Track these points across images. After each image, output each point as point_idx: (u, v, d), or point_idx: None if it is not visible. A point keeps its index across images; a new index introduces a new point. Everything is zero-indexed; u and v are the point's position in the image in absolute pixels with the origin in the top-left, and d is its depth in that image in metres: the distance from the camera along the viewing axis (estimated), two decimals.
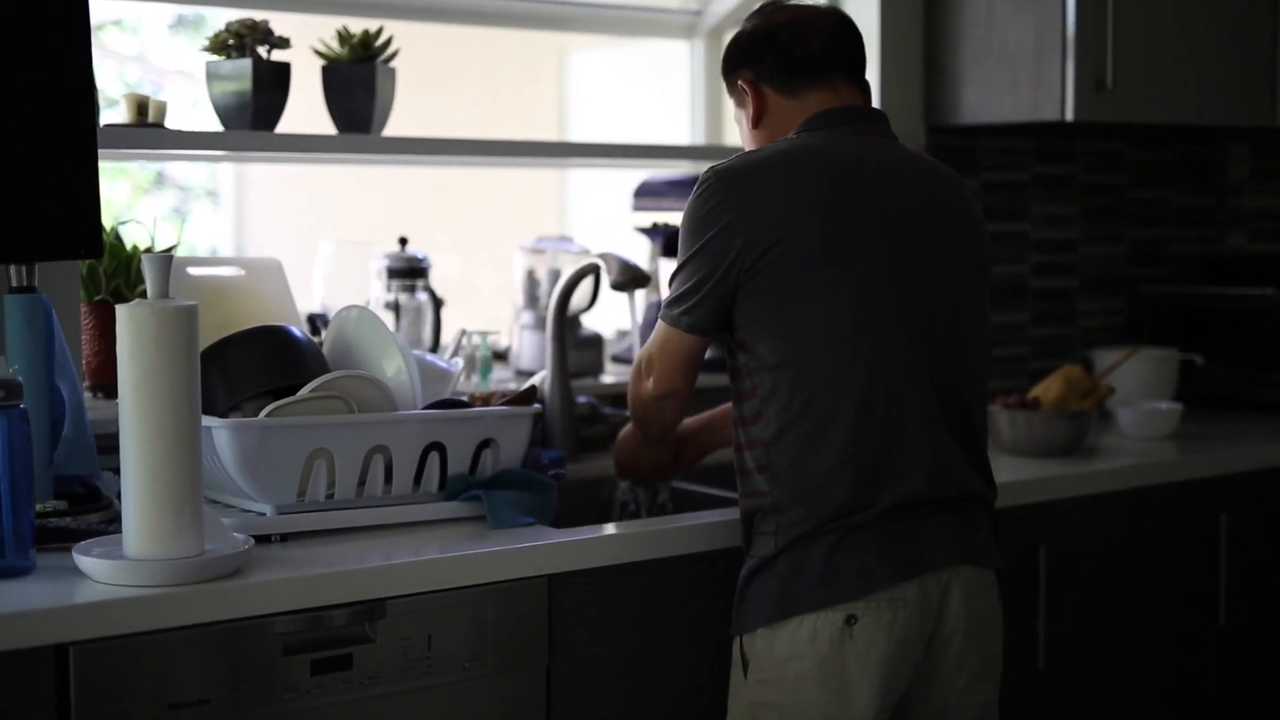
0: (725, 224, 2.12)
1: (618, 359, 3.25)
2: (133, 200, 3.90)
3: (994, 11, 3.29)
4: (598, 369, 3.07)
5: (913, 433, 2.12)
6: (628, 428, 2.59)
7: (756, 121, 2.29)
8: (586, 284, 2.91)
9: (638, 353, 2.34)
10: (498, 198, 4.13)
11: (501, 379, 3.00)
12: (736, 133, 2.45)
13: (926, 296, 2.16)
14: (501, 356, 3.17)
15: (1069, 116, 3.17)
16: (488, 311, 3.50)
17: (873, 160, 2.20)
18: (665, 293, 3.14)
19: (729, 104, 3.47)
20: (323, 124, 2.78)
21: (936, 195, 2.23)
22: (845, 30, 2.29)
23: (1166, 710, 2.98)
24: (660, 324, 2.23)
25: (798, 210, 2.11)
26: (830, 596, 2.08)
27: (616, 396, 2.98)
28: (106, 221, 2.46)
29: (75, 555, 1.91)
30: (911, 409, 2.12)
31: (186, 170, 4.02)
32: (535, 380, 2.59)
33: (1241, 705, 3.12)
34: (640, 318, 3.03)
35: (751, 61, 2.29)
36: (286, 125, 2.68)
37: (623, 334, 3.33)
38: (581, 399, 2.88)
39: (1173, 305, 3.76)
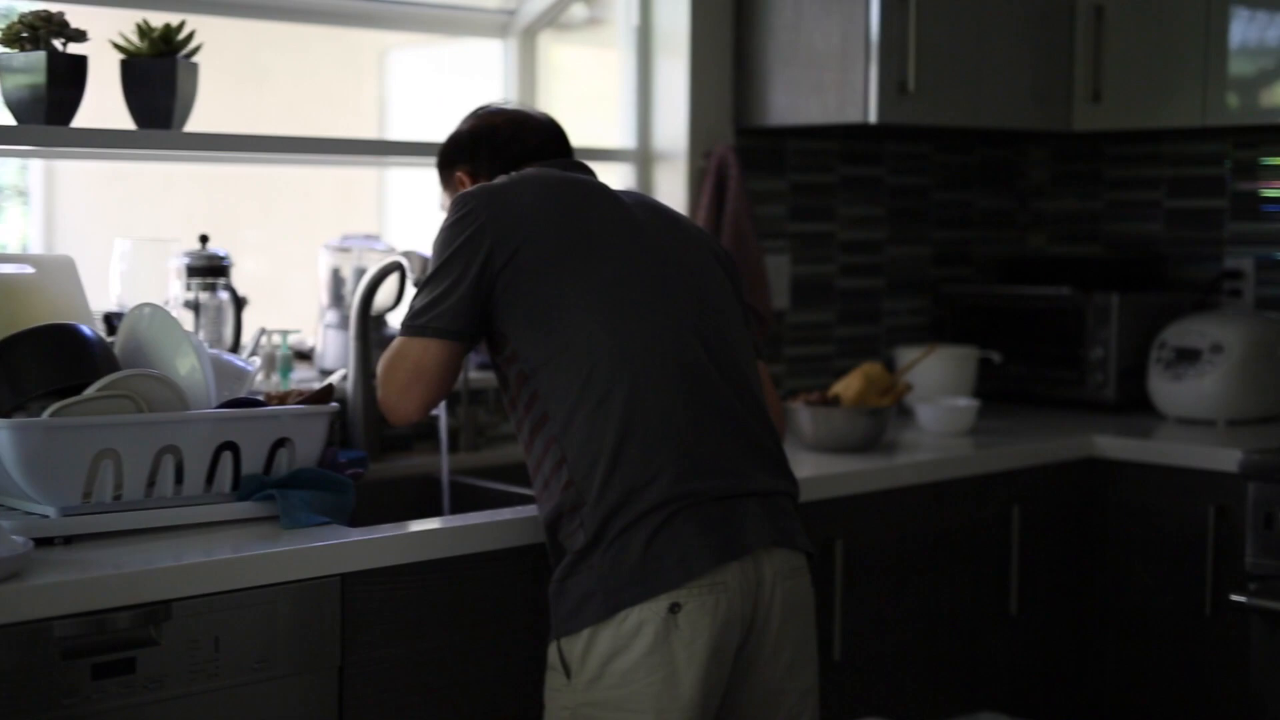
0: (475, 229, 2.22)
1: None
2: None
3: (801, 15, 3.36)
4: None
5: (680, 403, 2.19)
6: None
7: None
8: (391, 282, 2.89)
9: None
10: (316, 197, 4.08)
11: (306, 379, 2.97)
12: None
13: (674, 280, 2.27)
14: (306, 356, 3.14)
15: (872, 119, 3.25)
16: (298, 311, 3.46)
17: (595, 182, 2.38)
18: None
19: (543, 99, 3.51)
20: (125, 120, 2.73)
21: (652, 207, 2.40)
22: (560, 132, 2.47)
23: (959, 697, 3.06)
24: (397, 341, 2.27)
25: (543, 209, 2.24)
26: (653, 587, 2.11)
27: None
28: None
29: None
30: (682, 380, 2.20)
31: None
32: (334, 379, 2.57)
33: (1031, 690, 3.22)
34: None
35: (468, 158, 2.46)
36: (85, 120, 2.63)
37: None
38: None
39: (974, 305, 3.87)
